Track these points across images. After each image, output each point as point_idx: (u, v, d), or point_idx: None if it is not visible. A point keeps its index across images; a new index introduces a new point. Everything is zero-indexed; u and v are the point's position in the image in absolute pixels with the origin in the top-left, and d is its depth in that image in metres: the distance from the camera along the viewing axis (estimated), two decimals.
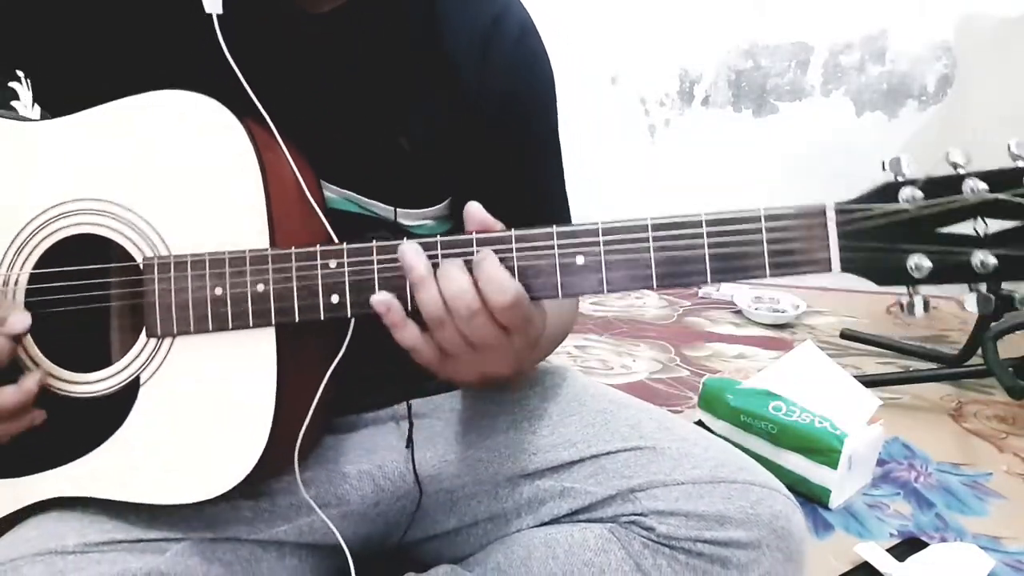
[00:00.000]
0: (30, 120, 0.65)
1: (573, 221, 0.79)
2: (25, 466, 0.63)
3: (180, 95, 0.61)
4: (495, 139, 0.73)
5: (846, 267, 0.53)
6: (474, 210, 0.57)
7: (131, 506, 0.62)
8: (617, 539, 0.69)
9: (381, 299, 0.56)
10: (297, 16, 0.66)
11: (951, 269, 0.51)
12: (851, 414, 1.15)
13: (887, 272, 0.52)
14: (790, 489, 1.14)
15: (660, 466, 0.70)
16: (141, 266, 0.61)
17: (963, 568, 0.96)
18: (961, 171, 0.51)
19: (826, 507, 1.13)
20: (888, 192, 0.52)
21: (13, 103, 0.74)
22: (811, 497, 1.15)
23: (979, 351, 1.45)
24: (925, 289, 0.53)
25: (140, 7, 0.66)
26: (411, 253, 0.56)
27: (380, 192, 0.70)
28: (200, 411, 0.60)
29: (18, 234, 0.63)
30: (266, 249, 0.59)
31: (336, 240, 0.63)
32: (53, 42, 0.68)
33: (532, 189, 0.77)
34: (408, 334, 0.56)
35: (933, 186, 0.51)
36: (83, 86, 0.64)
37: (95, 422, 0.62)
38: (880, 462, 1.24)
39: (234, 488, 0.60)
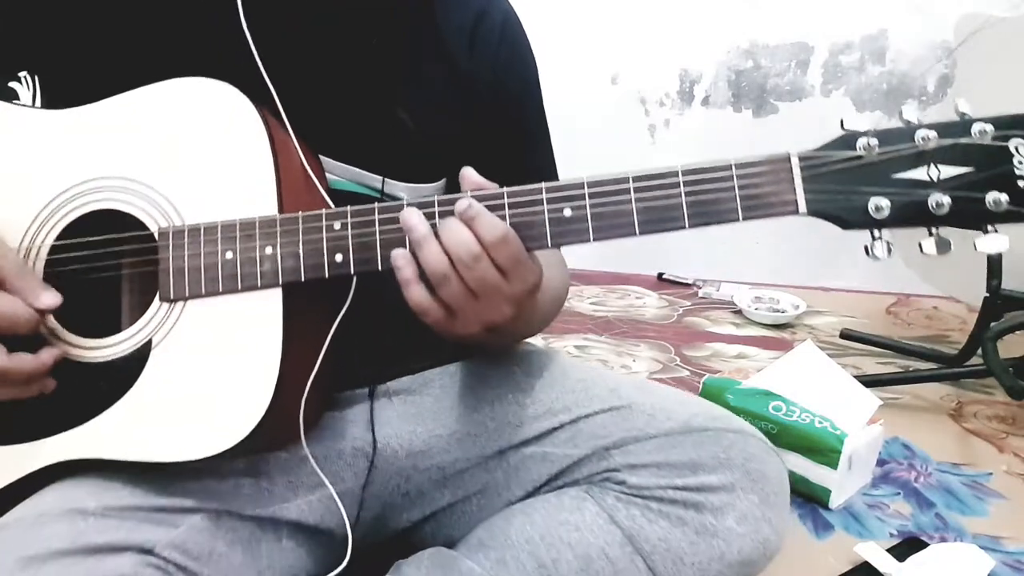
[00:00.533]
0: (53, 109, 0.69)
1: None
2: (37, 430, 0.65)
3: (198, 81, 0.65)
4: (486, 118, 0.77)
5: (812, 208, 0.57)
6: (469, 173, 0.62)
7: (144, 473, 0.64)
8: (591, 496, 0.70)
9: (401, 253, 0.60)
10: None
11: (910, 210, 0.56)
12: (851, 414, 1.15)
13: (851, 213, 0.57)
14: (790, 489, 1.16)
15: (634, 423, 0.72)
16: (156, 235, 0.64)
17: (963, 568, 0.96)
18: (913, 124, 0.56)
19: (826, 507, 1.13)
20: (847, 142, 0.58)
21: (14, 103, 0.75)
22: (811, 497, 1.15)
23: (979, 351, 1.45)
24: (889, 235, 0.57)
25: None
26: (412, 216, 0.60)
27: (377, 165, 0.73)
28: (209, 370, 0.63)
29: (42, 210, 0.66)
30: (275, 216, 0.62)
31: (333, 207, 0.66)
32: (62, 39, 0.70)
33: (522, 166, 0.79)
34: (418, 292, 0.60)
35: (887, 135, 0.57)
36: (93, 80, 0.67)
37: (106, 385, 0.64)
38: (880, 462, 1.24)
39: (237, 460, 0.63)
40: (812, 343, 1.31)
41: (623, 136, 2.31)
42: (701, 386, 1.30)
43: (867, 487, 1.20)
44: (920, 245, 0.57)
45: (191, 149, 0.64)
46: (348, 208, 0.62)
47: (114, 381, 0.63)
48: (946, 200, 0.55)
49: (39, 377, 0.63)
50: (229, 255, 0.62)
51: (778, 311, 1.99)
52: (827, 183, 0.57)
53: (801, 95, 2.16)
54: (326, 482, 0.70)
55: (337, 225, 0.62)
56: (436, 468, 0.78)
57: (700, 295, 2.18)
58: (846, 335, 1.77)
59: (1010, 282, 1.45)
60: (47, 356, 0.62)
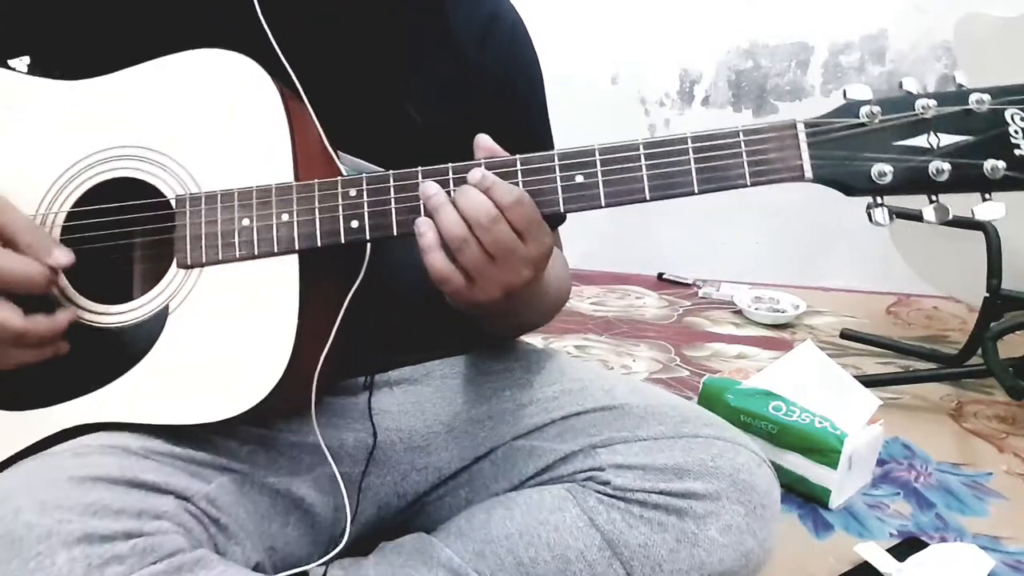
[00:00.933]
0: (66, 80, 0.69)
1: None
2: (55, 395, 0.65)
3: (213, 52, 0.66)
4: (493, 115, 0.77)
5: (818, 174, 0.59)
6: (484, 140, 0.63)
7: (171, 430, 0.64)
8: (573, 496, 0.70)
9: (424, 220, 0.61)
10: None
11: (911, 176, 0.57)
12: (851, 414, 1.15)
13: (855, 179, 0.58)
14: (790, 489, 1.16)
15: (625, 423, 0.72)
16: (174, 203, 0.65)
17: (963, 568, 0.96)
18: (914, 93, 0.58)
19: (826, 507, 1.13)
20: (850, 110, 0.59)
21: (29, 75, 0.75)
22: (811, 497, 1.15)
23: (979, 351, 1.45)
24: (891, 201, 0.59)
25: None
26: (430, 185, 0.62)
27: (382, 158, 0.72)
28: (226, 334, 0.64)
29: (58, 178, 0.67)
30: (291, 183, 0.64)
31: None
32: (68, 23, 0.71)
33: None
34: (438, 257, 0.61)
35: (889, 104, 0.58)
36: (100, 65, 0.67)
37: (123, 350, 0.64)
38: (880, 462, 1.24)
39: (251, 429, 0.64)
40: (812, 343, 1.31)
41: (623, 136, 2.30)
42: (701, 386, 1.30)
43: (867, 487, 1.20)
44: (921, 213, 0.58)
45: (207, 118, 0.65)
46: (363, 175, 0.63)
47: (131, 346, 0.64)
48: (946, 167, 0.56)
49: (54, 340, 0.63)
50: (246, 222, 0.63)
51: (778, 311, 1.99)
52: (832, 149, 0.59)
53: (801, 95, 2.16)
54: (329, 460, 0.70)
55: (353, 192, 0.63)
56: (433, 468, 0.78)
57: (700, 295, 2.18)
58: (846, 335, 1.77)
59: (1010, 282, 1.45)
60: (62, 318, 0.63)
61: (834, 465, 1.11)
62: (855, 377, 1.26)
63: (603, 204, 0.62)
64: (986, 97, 0.57)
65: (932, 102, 0.57)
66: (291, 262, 0.63)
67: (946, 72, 2.02)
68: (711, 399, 1.27)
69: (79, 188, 0.66)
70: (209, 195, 0.64)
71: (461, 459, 0.78)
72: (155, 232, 0.66)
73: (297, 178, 0.64)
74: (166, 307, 0.64)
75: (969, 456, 1.30)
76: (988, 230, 1.41)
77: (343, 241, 0.63)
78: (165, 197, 0.65)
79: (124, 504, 0.55)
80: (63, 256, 0.62)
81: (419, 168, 0.63)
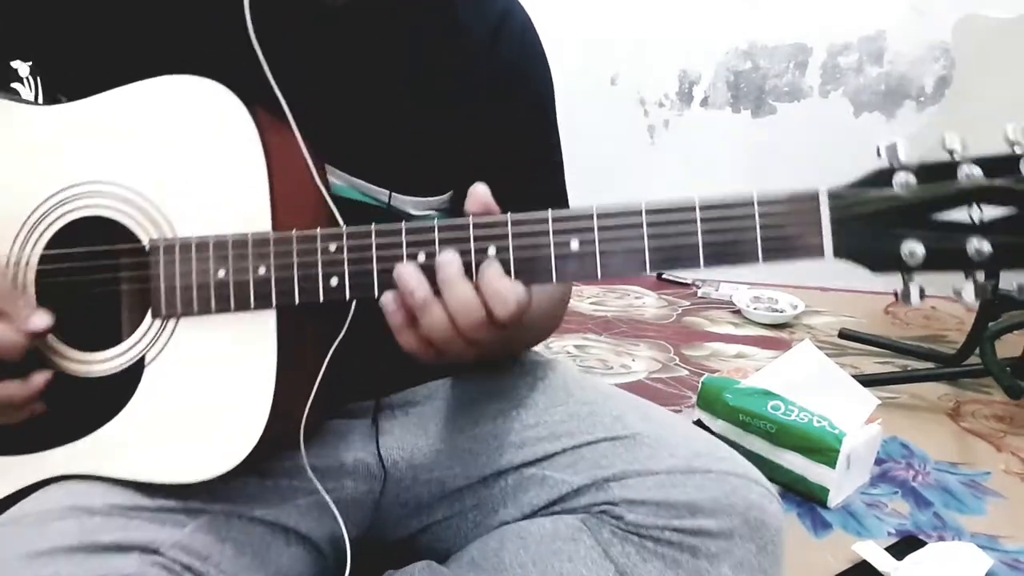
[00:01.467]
0: (38, 104, 0.67)
1: (568, 201, 0.82)
2: (34, 443, 0.64)
3: (186, 80, 0.62)
4: (501, 125, 0.75)
5: (839, 253, 0.53)
6: (480, 191, 0.58)
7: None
8: (587, 528, 0.69)
9: (391, 298, 0.57)
10: (314, 4, 0.68)
11: (946, 255, 0.50)
12: (849, 413, 1.16)
13: (881, 258, 0.52)
14: (789, 488, 1.17)
15: (636, 455, 0.71)
16: (147, 248, 0.62)
17: (961, 567, 0.97)
18: (957, 157, 0.51)
19: (824, 506, 1.14)
20: (882, 178, 0.52)
21: (15, 85, 0.75)
22: (809, 496, 1.15)
23: (977, 351, 1.45)
24: (921, 278, 0.52)
25: None
26: (410, 279, 0.56)
27: (384, 177, 0.71)
28: (203, 391, 0.62)
29: (29, 216, 0.64)
30: (268, 233, 0.60)
31: (341, 222, 0.64)
32: (66, 31, 0.69)
33: (533, 178, 0.79)
34: (409, 338, 0.58)
35: (927, 172, 0.51)
36: (96, 74, 0.65)
37: (101, 401, 0.63)
38: (878, 461, 1.24)
39: (240, 465, 0.61)
40: (811, 343, 1.31)
41: (622, 137, 2.31)
42: (700, 385, 1.31)
43: (865, 486, 1.20)
44: (956, 292, 0.51)
45: (180, 153, 0.62)
46: (343, 229, 0.59)
47: (109, 397, 0.63)
48: (987, 247, 0.49)
49: (29, 403, 0.61)
50: (222, 274, 0.60)
51: (777, 311, 1.99)
52: (857, 225, 0.52)
53: (799, 96, 2.17)
54: (327, 498, 0.69)
55: (332, 247, 0.59)
56: (436, 482, 0.77)
57: (699, 295, 2.18)
58: (844, 335, 1.78)
59: (1009, 282, 1.45)
60: (38, 380, 0.61)
61: (832, 464, 1.11)
62: (853, 377, 1.27)
63: (599, 276, 0.56)
64: None
65: (977, 171, 0.50)
66: (269, 314, 0.61)
67: (944, 73, 2.02)
68: (710, 399, 1.27)
69: (51, 227, 0.64)
70: (184, 244, 0.61)
71: (466, 476, 0.76)
72: (133, 278, 0.64)
73: (275, 222, 0.61)
74: (142, 358, 0.62)
75: (967, 455, 1.31)
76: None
77: (321, 300, 0.59)
78: (139, 241, 0.63)
79: (83, 573, 0.55)
80: (40, 321, 0.60)
81: (402, 224, 0.58)
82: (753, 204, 0.53)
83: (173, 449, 0.62)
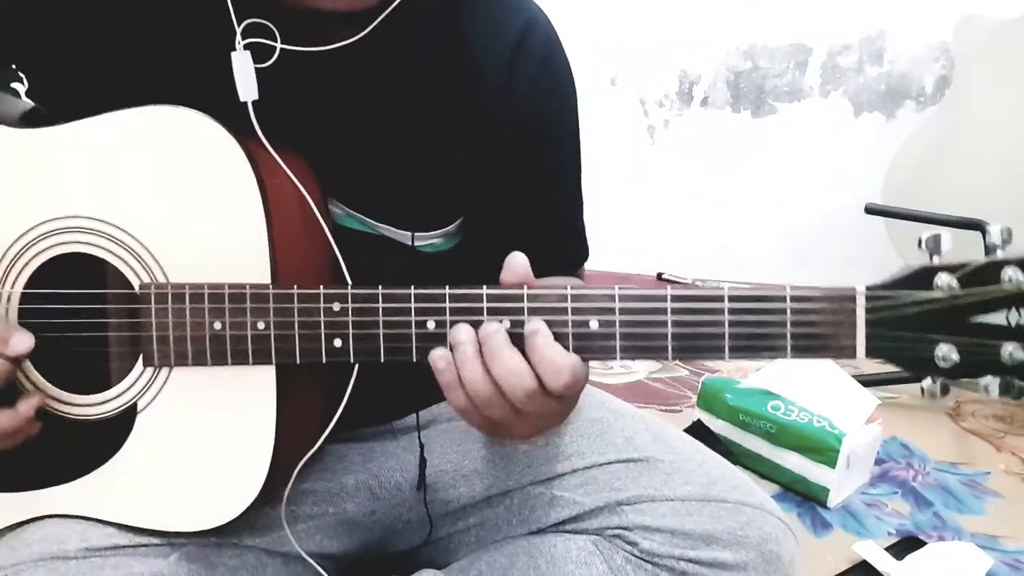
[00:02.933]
0: (23, 129, 0.63)
1: (587, 236, 0.80)
2: (20, 483, 0.63)
3: (177, 111, 0.59)
4: (517, 160, 0.71)
5: (871, 355, 0.51)
6: (518, 262, 0.54)
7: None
8: (600, 552, 0.68)
9: (441, 355, 0.53)
10: (320, 29, 0.63)
11: (979, 362, 0.49)
12: (849, 413, 1.16)
13: (913, 361, 0.50)
14: (788, 488, 1.17)
15: (651, 480, 0.70)
16: (138, 293, 0.59)
17: (961, 567, 0.97)
18: (1000, 254, 0.49)
19: (824, 506, 1.14)
20: (922, 277, 0.50)
21: (14, 84, 0.73)
22: (809, 496, 1.15)
23: None
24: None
25: (155, 17, 0.65)
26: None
27: (393, 215, 0.68)
28: (197, 442, 0.60)
29: (9, 248, 0.62)
30: (267, 286, 0.57)
31: (342, 261, 0.62)
32: (59, 41, 0.66)
33: (551, 206, 0.76)
34: (460, 396, 0.54)
35: (971, 275, 0.49)
36: (86, 96, 0.62)
37: (92, 445, 0.61)
38: (878, 461, 1.24)
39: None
40: None
41: (622, 137, 2.31)
42: (700, 385, 1.31)
43: (865, 486, 1.20)
44: (984, 388, 0.50)
45: (168, 190, 0.59)
46: (349, 290, 0.56)
47: (101, 442, 0.61)
48: (1021, 354, 0.48)
49: (21, 430, 0.60)
50: (217, 326, 0.57)
51: None
52: (893, 327, 0.50)
53: (800, 96, 2.17)
54: (301, 552, 0.68)
55: (336, 307, 0.56)
56: (440, 502, 0.76)
57: None
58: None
59: None
60: (26, 407, 0.59)
61: (832, 464, 1.12)
62: (853, 376, 1.27)
63: (618, 359, 0.54)
64: None
65: (1021, 274, 0.47)
66: (268, 370, 0.58)
67: (944, 73, 2.02)
68: (710, 398, 1.27)
69: (32, 262, 0.61)
70: (177, 291, 0.58)
71: (471, 496, 0.76)
72: (121, 325, 0.61)
73: (274, 263, 0.57)
74: (134, 405, 0.60)
75: (967, 455, 1.31)
76: (986, 230, 1.41)
77: (324, 361, 0.56)
78: (130, 286, 0.60)
79: None
80: (20, 344, 0.58)
81: (411, 289, 0.55)
82: (786, 299, 0.51)
83: (165, 499, 0.61)
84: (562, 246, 0.77)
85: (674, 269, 2.30)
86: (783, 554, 0.67)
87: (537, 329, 0.52)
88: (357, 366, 0.60)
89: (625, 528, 0.68)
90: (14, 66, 0.68)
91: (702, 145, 2.26)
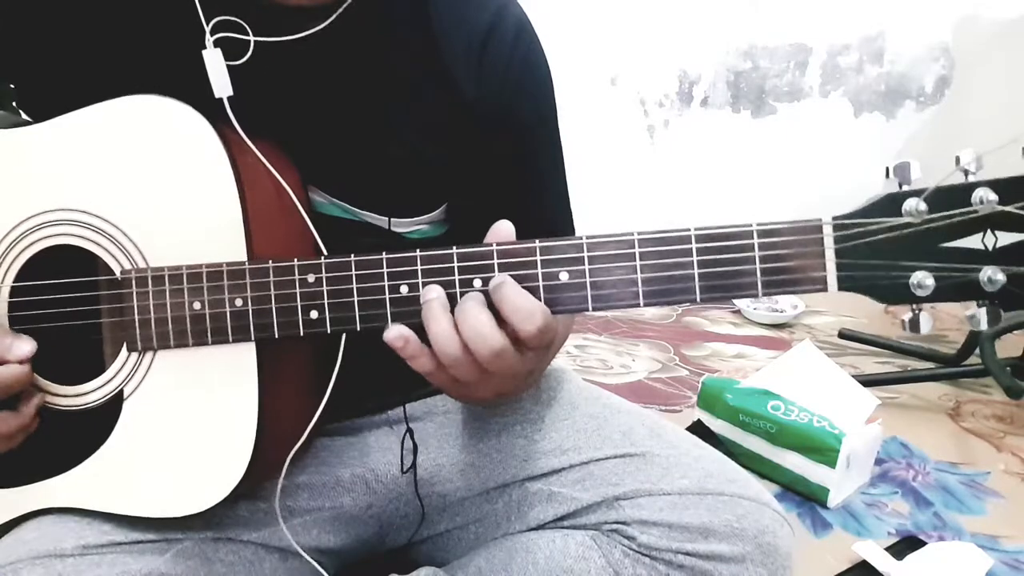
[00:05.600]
0: (4, 129, 0.65)
1: (574, 223, 0.79)
2: (16, 478, 0.63)
3: (153, 100, 0.60)
4: (494, 144, 0.71)
5: (843, 286, 0.50)
6: (504, 230, 0.55)
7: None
8: (598, 546, 0.68)
9: (396, 334, 0.54)
10: (289, 23, 0.64)
11: (957, 287, 0.48)
12: (849, 413, 1.16)
13: (888, 290, 0.50)
14: (789, 488, 1.17)
15: (648, 474, 0.70)
16: (119, 279, 0.60)
17: (961, 567, 0.97)
18: (972, 178, 0.48)
19: (824, 506, 1.14)
20: (891, 203, 0.49)
21: (16, 104, 0.74)
22: (809, 496, 1.15)
23: (977, 351, 1.45)
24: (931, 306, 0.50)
25: (129, 18, 0.65)
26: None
27: (374, 202, 0.69)
28: (183, 425, 0.60)
29: None
30: (243, 263, 0.58)
31: (322, 243, 0.63)
32: (41, 49, 0.68)
33: (533, 194, 0.76)
34: (424, 364, 0.55)
35: (940, 197, 0.48)
36: (69, 93, 0.63)
37: (81, 435, 0.62)
38: (878, 461, 1.24)
39: (226, 498, 0.60)
40: (810, 343, 1.31)
41: (622, 137, 2.31)
42: (700, 386, 1.31)
43: (865, 486, 1.20)
44: (969, 319, 0.49)
45: (145, 177, 0.60)
46: (323, 260, 0.57)
47: (89, 431, 0.62)
48: (1000, 277, 0.47)
49: (24, 429, 0.61)
50: (197, 306, 0.58)
51: (777, 311, 1.99)
52: (863, 256, 0.49)
53: (799, 96, 2.17)
54: (296, 548, 0.68)
55: (311, 278, 0.57)
56: (437, 495, 0.76)
57: None
58: (844, 335, 1.78)
59: None
60: (28, 409, 0.61)
61: (832, 464, 1.11)
62: (853, 377, 1.27)
63: (590, 308, 0.54)
64: None
65: (992, 195, 0.46)
66: (248, 347, 0.59)
67: (944, 73, 2.03)
68: (710, 398, 1.27)
69: (20, 257, 0.63)
70: (156, 274, 0.59)
71: (468, 489, 0.76)
72: (105, 311, 0.62)
73: (250, 245, 0.58)
74: (120, 392, 0.61)
75: (967, 455, 1.31)
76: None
77: (301, 333, 0.57)
78: (112, 272, 0.61)
79: None
80: (24, 348, 0.59)
81: (383, 255, 0.56)
82: (753, 235, 0.51)
83: (155, 484, 0.61)
84: (550, 233, 0.78)
85: None
86: (780, 546, 0.67)
87: (503, 280, 0.53)
88: (341, 354, 0.61)
89: (623, 523, 0.68)
90: (7, 81, 0.70)
91: (702, 145, 2.26)
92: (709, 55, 2.22)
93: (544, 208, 0.77)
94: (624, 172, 2.31)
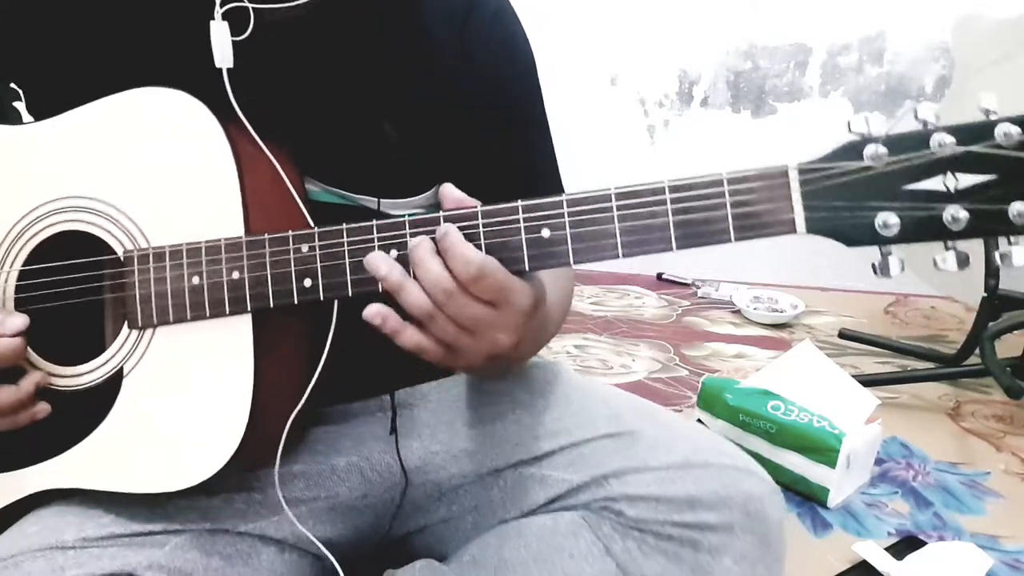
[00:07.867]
0: (11, 125, 0.68)
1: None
2: (14, 460, 0.64)
3: (156, 92, 0.63)
4: (479, 119, 0.74)
5: (812, 227, 0.52)
6: (449, 190, 0.59)
7: (128, 499, 0.63)
8: (587, 524, 0.69)
9: (375, 311, 0.56)
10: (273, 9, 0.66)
11: (921, 225, 0.50)
12: (849, 413, 1.16)
13: (855, 231, 0.51)
14: (789, 488, 1.17)
15: (635, 452, 0.71)
16: (122, 259, 0.63)
17: (961, 567, 0.97)
18: (929, 127, 0.50)
19: (824, 506, 1.14)
20: (853, 150, 0.51)
21: (16, 104, 0.74)
22: (809, 496, 1.15)
23: (977, 351, 1.45)
24: (900, 251, 0.52)
25: (127, 9, 0.67)
26: (380, 265, 0.57)
27: (366, 184, 0.70)
28: (181, 400, 0.62)
29: (7, 234, 0.65)
30: (240, 237, 0.61)
31: (313, 225, 0.64)
32: (45, 51, 0.69)
33: (520, 167, 0.77)
34: (409, 336, 0.57)
35: (899, 142, 0.50)
36: (73, 92, 0.65)
37: (81, 414, 0.63)
38: (878, 461, 1.24)
39: (224, 479, 0.61)
40: (810, 343, 1.31)
41: (622, 137, 2.31)
42: (700, 386, 1.31)
43: (865, 486, 1.20)
44: (935, 261, 0.51)
45: (150, 164, 0.63)
46: (316, 230, 0.60)
47: (89, 410, 0.63)
48: (963, 214, 0.49)
49: (24, 406, 0.62)
50: (196, 280, 0.61)
51: (777, 311, 1.99)
52: (829, 199, 0.51)
53: (800, 96, 2.17)
54: (295, 521, 0.69)
55: (305, 248, 0.59)
56: (432, 483, 0.77)
57: (699, 295, 2.18)
58: (844, 335, 1.78)
59: (1008, 282, 1.45)
60: (27, 384, 0.62)
61: (832, 464, 1.12)
62: (853, 377, 1.27)
63: (571, 262, 0.56)
64: (1015, 131, 0.48)
65: (950, 139, 0.49)
66: (244, 320, 0.61)
67: (944, 73, 2.02)
68: (710, 399, 1.27)
69: (29, 243, 0.65)
70: (157, 252, 0.61)
71: (463, 476, 0.76)
72: (107, 289, 0.65)
73: (248, 227, 0.61)
74: (120, 370, 0.63)
75: (967, 455, 1.31)
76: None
77: (296, 301, 0.60)
78: (114, 253, 0.63)
79: None
80: (16, 321, 0.61)
81: (374, 222, 0.58)
82: (723, 183, 0.54)
83: (152, 459, 0.62)
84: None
85: (673, 269, 2.30)
86: (769, 512, 0.67)
87: (447, 230, 0.56)
88: (333, 328, 0.62)
89: (611, 499, 0.69)
90: (12, 84, 0.70)
91: (702, 145, 2.26)
92: (709, 55, 2.22)
93: (533, 176, 0.79)
94: (624, 172, 2.30)
